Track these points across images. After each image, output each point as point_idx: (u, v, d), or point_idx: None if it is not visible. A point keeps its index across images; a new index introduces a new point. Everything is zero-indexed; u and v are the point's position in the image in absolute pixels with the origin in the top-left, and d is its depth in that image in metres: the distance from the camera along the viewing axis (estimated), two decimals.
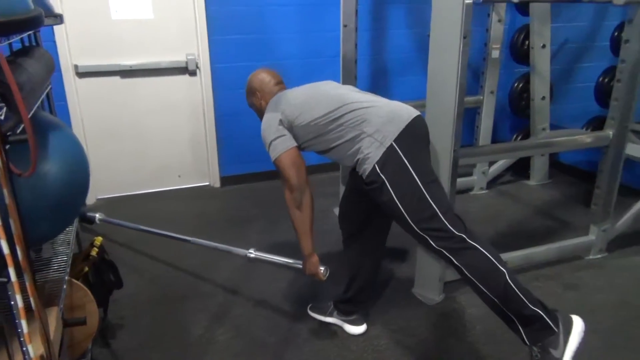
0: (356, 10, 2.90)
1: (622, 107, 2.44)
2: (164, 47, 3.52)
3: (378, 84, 4.05)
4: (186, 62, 3.57)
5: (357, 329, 2.15)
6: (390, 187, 1.70)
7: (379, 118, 1.75)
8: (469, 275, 1.68)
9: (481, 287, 1.67)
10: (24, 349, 1.12)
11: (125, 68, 3.45)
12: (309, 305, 2.31)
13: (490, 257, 1.67)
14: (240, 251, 2.34)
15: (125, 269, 2.54)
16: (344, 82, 2.97)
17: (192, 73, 3.64)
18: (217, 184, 3.90)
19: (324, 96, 1.87)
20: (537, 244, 2.69)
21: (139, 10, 3.38)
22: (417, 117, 1.80)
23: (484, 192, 3.69)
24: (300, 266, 2.04)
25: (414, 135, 1.76)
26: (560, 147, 2.61)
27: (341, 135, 1.80)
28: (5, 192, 1.02)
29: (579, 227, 3.06)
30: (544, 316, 1.64)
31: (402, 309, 2.33)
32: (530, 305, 1.64)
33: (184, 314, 2.34)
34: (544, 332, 1.64)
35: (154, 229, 2.77)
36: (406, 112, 1.79)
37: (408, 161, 1.70)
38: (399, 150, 1.70)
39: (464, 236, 1.68)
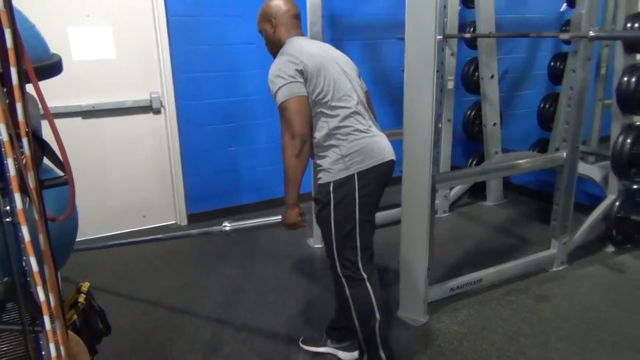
0: None
1: (572, 130, 2.68)
2: (127, 87, 3.49)
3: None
4: (150, 101, 3.55)
5: (352, 355, 2.18)
6: (333, 210, 1.84)
7: (358, 146, 1.83)
8: (351, 307, 1.94)
9: (355, 321, 1.95)
10: None
11: (87, 108, 3.38)
12: (301, 339, 2.32)
13: (374, 303, 1.92)
14: (215, 229, 2.28)
15: None
16: None
17: (157, 111, 3.62)
18: (184, 222, 3.84)
19: (345, 86, 1.86)
20: (504, 260, 2.86)
21: (101, 50, 3.35)
22: (389, 161, 1.91)
23: (446, 214, 3.87)
24: (278, 220, 1.98)
25: (376, 176, 1.87)
26: (521, 169, 2.82)
27: (324, 134, 1.83)
28: (41, 238, 1.01)
29: (538, 242, 3.28)
30: None
31: (390, 332, 2.39)
32: (381, 351, 1.95)
33: (172, 356, 2.28)
34: None
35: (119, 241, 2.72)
36: (381, 153, 1.88)
37: (359, 196, 1.84)
38: (356, 183, 1.83)
39: (364, 277, 1.92)
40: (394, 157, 1.94)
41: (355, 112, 1.86)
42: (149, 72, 3.53)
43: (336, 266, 1.93)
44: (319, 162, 1.89)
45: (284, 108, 1.77)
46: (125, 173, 3.63)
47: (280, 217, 1.97)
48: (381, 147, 1.90)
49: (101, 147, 3.50)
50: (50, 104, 1.02)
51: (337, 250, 1.90)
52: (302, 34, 2.00)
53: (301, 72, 1.78)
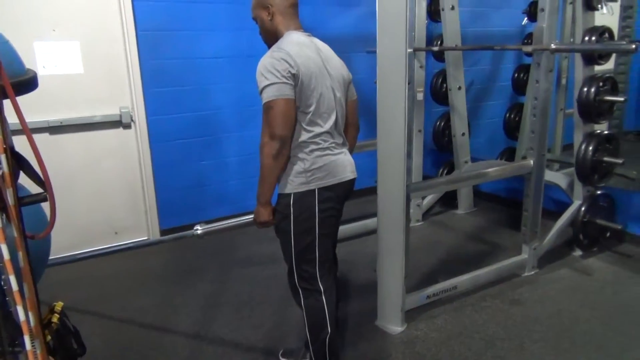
0: None
1: (538, 138, 2.78)
2: (96, 101, 3.43)
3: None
4: (120, 115, 3.50)
5: None
6: (293, 222, 1.86)
7: (322, 162, 1.85)
8: (305, 317, 1.98)
9: (307, 330, 1.99)
10: None
11: (55, 124, 3.31)
12: (280, 352, 2.30)
13: (327, 317, 1.95)
14: (187, 233, 2.28)
15: None
16: None
17: (127, 126, 3.56)
18: (157, 238, 3.77)
19: (330, 102, 1.86)
20: (478, 267, 2.92)
21: (68, 65, 3.29)
22: (350, 180, 1.95)
23: (419, 223, 3.93)
24: (250, 219, 1.98)
25: (336, 195, 1.91)
26: (491, 177, 2.90)
27: (293, 145, 1.82)
28: (21, 255, 0.98)
29: (509, 248, 3.37)
30: None
31: (369, 342, 2.40)
32: None
33: None
34: None
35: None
36: (344, 172, 1.92)
37: (318, 211, 1.86)
38: (316, 198, 1.85)
39: (321, 289, 1.95)
40: (355, 176, 1.97)
41: (327, 132, 1.87)
42: (118, 86, 3.48)
43: (294, 277, 1.96)
44: (282, 172, 1.87)
45: (270, 107, 1.71)
46: (96, 189, 3.55)
47: (251, 216, 1.95)
48: (343, 165, 1.93)
49: (70, 163, 3.42)
50: (16, 119, 1.00)
51: (296, 262, 1.92)
52: (300, 26, 1.92)
53: (294, 76, 1.73)
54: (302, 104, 1.78)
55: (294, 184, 1.84)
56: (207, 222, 3.87)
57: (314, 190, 1.84)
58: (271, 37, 1.89)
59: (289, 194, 1.85)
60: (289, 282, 2.03)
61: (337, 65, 1.96)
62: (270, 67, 1.71)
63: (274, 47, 1.81)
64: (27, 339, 0.97)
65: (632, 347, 2.29)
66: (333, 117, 1.88)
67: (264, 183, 1.81)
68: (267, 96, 1.71)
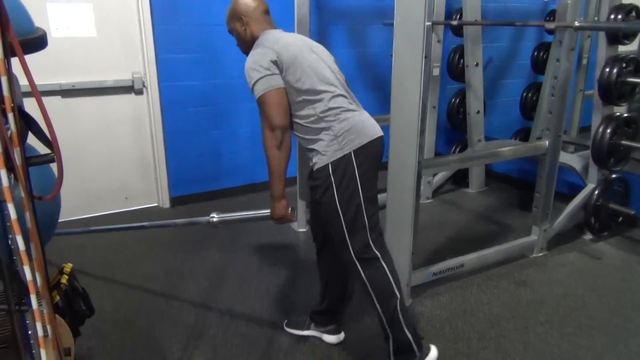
0: (309, 32, 3.00)
1: (555, 119, 2.72)
2: (108, 66, 3.41)
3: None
4: (132, 81, 3.48)
5: (336, 338, 2.21)
6: (336, 191, 1.81)
7: (348, 125, 1.82)
8: (369, 290, 1.88)
9: (376, 303, 1.89)
10: None
11: (67, 87, 3.30)
12: (285, 322, 2.33)
13: (392, 281, 1.88)
14: (202, 219, 2.24)
15: None
16: None
17: (139, 92, 3.55)
18: (167, 205, 3.80)
19: (323, 75, 1.85)
20: (486, 246, 2.90)
21: (81, 28, 3.26)
22: (380, 137, 1.90)
23: (429, 201, 3.90)
24: (267, 213, 1.98)
25: (371, 153, 1.86)
26: (505, 157, 2.86)
27: (310, 118, 1.82)
28: (28, 216, 0.98)
29: (518, 228, 3.34)
30: (412, 342, 1.92)
31: (374, 316, 2.40)
32: (406, 330, 1.90)
33: (156, 339, 2.27)
34: (408, 354, 1.93)
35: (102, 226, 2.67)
36: (373, 129, 1.88)
37: (358, 173, 1.81)
38: (354, 161, 1.80)
39: (378, 255, 1.87)
40: (382, 134, 1.92)
41: (339, 95, 1.85)
42: (130, 51, 3.45)
43: (349, 250, 1.86)
44: (312, 147, 1.85)
45: (262, 102, 1.78)
46: (106, 154, 3.57)
47: (269, 210, 1.95)
48: (371, 124, 1.90)
49: (81, 127, 3.43)
50: (25, 80, 0.99)
51: (348, 233, 1.84)
52: (275, 27, 1.99)
53: (275, 63, 1.78)
54: (297, 81, 1.80)
55: (328, 153, 1.80)
56: (218, 192, 3.92)
57: (349, 153, 1.79)
58: (249, 46, 1.93)
59: (326, 165, 1.80)
60: (343, 258, 1.91)
61: (319, 45, 1.99)
62: (253, 65, 1.79)
63: (253, 47, 1.88)
64: (33, 298, 0.98)
65: (638, 333, 2.28)
66: (336, 81, 1.87)
67: (274, 176, 1.84)
68: (257, 92, 1.78)
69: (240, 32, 1.96)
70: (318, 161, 1.83)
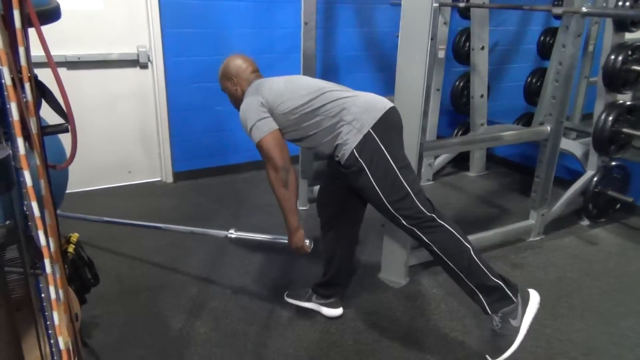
0: (316, 9, 2.99)
1: (558, 105, 2.73)
2: (114, 39, 3.41)
3: (328, 81, 4.16)
4: (137, 55, 3.48)
5: (335, 312, 2.26)
6: (368, 170, 1.83)
7: (356, 107, 1.87)
8: (437, 251, 1.87)
9: (448, 262, 1.87)
10: (52, 341, 1.12)
11: (73, 59, 3.30)
12: (286, 293, 2.38)
13: (457, 234, 1.87)
14: (220, 233, 2.36)
15: None
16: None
17: (144, 66, 3.55)
18: (170, 180, 3.84)
19: (304, 87, 1.95)
20: (484, 229, 2.95)
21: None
22: (392, 107, 1.94)
23: (430, 183, 3.94)
24: (285, 241, 2.09)
25: (389, 124, 1.89)
26: (506, 141, 2.89)
27: (320, 124, 1.89)
28: (43, 184, 1.02)
29: (517, 212, 3.38)
30: (504, 287, 1.86)
31: (372, 293, 2.47)
32: (492, 277, 1.86)
33: (158, 309, 2.33)
34: (503, 301, 1.87)
35: (118, 219, 2.71)
36: (381, 102, 1.92)
37: (384, 147, 1.83)
38: (375, 137, 1.83)
39: (433, 216, 1.87)
40: (393, 104, 1.95)
41: (328, 91, 1.92)
42: (136, 24, 3.44)
43: (401, 222, 1.87)
44: (337, 143, 1.87)
45: (261, 147, 1.89)
46: (110, 128, 3.59)
47: (287, 239, 2.07)
48: (377, 99, 1.94)
49: (86, 100, 3.44)
50: (35, 52, 1.01)
51: (393, 206, 1.84)
52: (261, 77, 2.13)
53: (263, 105, 1.91)
54: (293, 110, 1.89)
55: (350, 141, 1.83)
56: (221, 169, 3.95)
57: (369, 132, 1.82)
58: (239, 103, 2.05)
59: (352, 151, 1.83)
60: (403, 230, 1.92)
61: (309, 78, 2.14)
62: (247, 113, 1.92)
63: (244, 97, 2.02)
64: (47, 262, 1.02)
65: (629, 316, 2.33)
66: (321, 83, 1.97)
67: (286, 212, 1.95)
68: (254, 138, 1.90)
69: (232, 90, 2.13)
70: (344, 152, 1.86)
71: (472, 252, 1.86)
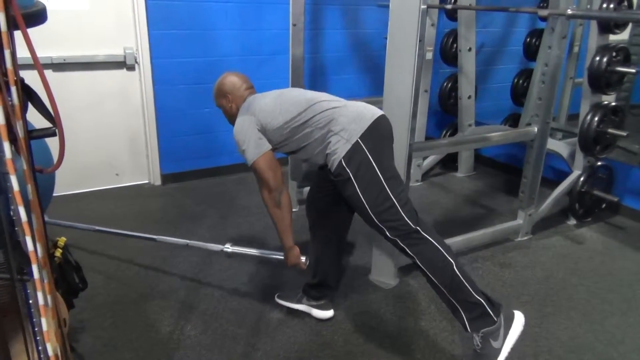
0: (304, 11, 2.99)
1: (544, 105, 2.77)
2: (100, 40, 3.38)
3: (316, 82, 4.17)
4: (124, 56, 3.45)
5: (325, 314, 2.26)
6: (355, 180, 1.83)
7: (344, 117, 1.88)
8: (419, 264, 1.87)
9: (431, 276, 1.86)
10: (40, 347, 1.10)
11: (58, 61, 3.27)
12: (277, 294, 2.38)
13: (440, 249, 1.86)
14: (215, 247, 2.36)
15: None
16: (292, 79, 3.06)
17: (130, 67, 3.52)
18: (158, 182, 3.81)
19: (293, 101, 1.97)
20: (472, 229, 2.97)
21: (73, 0, 3.22)
22: (381, 116, 1.94)
23: (419, 184, 3.96)
24: (281, 257, 2.14)
25: (379, 134, 1.90)
26: (494, 142, 2.91)
27: (310, 135, 1.92)
28: (30, 188, 1.00)
29: (504, 212, 3.42)
30: (486, 305, 1.82)
31: (362, 294, 2.48)
32: (474, 294, 1.82)
33: (147, 312, 2.31)
34: (484, 319, 1.82)
35: (110, 229, 2.69)
36: (370, 112, 1.92)
37: (372, 157, 1.84)
38: (363, 147, 1.84)
39: (418, 228, 1.86)
40: (383, 113, 1.96)
41: (317, 102, 1.94)
42: (123, 26, 3.42)
43: (385, 233, 1.87)
44: (327, 153, 1.89)
45: (255, 169, 1.92)
46: (97, 130, 3.56)
47: (282, 255, 2.12)
48: (366, 108, 1.94)
49: (72, 102, 3.40)
50: (21, 53, 1.00)
51: (378, 217, 1.84)
52: (255, 92, 2.15)
53: (255, 123, 1.93)
54: (285, 125, 1.92)
55: (338, 151, 1.84)
56: (209, 170, 3.92)
57: (357, 142, 1.83)
58: (234, 119, 2.07)
59: (340, 161, 1.83)
60: (388, 241, 1.91)
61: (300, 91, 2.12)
62: (240, 135, 1.94)
63: (238, 115, 2.04)
64: (35, 268, 1.00)
65: (614, 314, 2.37)
66: (309, 95, 1.99)
67: (281, 231, 2.02)
68: (248, 160, 1.92)
69: (227, 107, 2.14)
70: (333, 161, 1.87)
71: (454, 267, 1.83)
